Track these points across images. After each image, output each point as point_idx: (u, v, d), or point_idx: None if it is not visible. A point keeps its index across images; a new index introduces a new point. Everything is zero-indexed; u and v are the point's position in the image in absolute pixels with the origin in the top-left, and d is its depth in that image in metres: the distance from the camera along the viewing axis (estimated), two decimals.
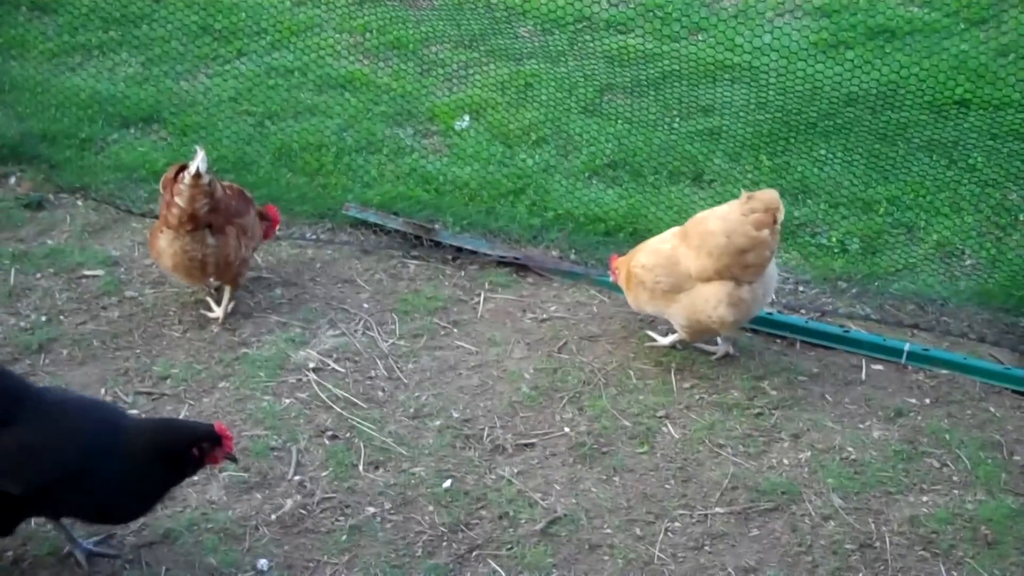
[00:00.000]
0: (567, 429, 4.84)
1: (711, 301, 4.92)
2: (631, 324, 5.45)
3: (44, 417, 3.72)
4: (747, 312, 5.00)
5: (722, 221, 4.90)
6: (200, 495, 4.39)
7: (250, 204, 5.40)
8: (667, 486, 4.58)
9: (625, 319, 5.46)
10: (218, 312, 5.36)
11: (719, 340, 5.29)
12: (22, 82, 7.02)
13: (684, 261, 4.98)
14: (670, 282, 5.02)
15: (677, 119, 7.08)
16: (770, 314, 5.46)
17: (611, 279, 5.42)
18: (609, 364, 5.22)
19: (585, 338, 5.38)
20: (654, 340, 5.35)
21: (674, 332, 5.24)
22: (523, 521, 4.37)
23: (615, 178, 6.62)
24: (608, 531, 4.36)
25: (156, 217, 5.66)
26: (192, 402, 4.84)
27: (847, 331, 5.41)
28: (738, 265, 4.87)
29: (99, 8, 7.83)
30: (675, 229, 5.17)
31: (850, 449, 4.75)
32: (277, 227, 5.65)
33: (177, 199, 4.99)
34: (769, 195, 4.86)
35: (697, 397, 5.03)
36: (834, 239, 6.12)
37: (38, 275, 5.55)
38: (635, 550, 4.28)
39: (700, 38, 7.98)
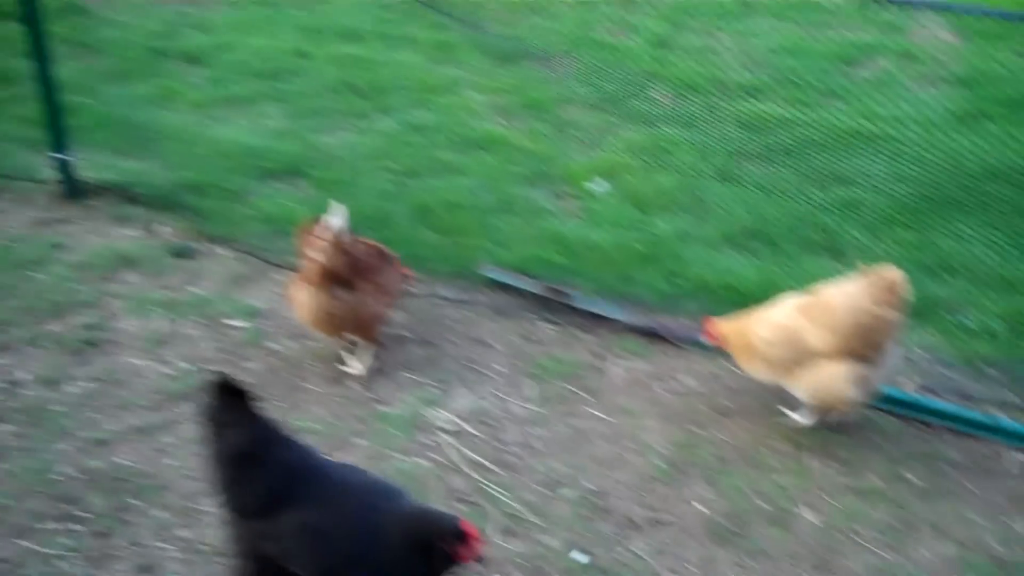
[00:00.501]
0: (701, 507, 4.74)
1: (837, 380, 4.83)
2: (765, 400, 5.33)
3: (329, 496, 3.69)
4: (871, 391, 4.90)
5: (847, 298, 4.80)
6: None
7: (388, 261, 5.43)
8: (804, 574, 4.44)
9: (759, 394, 5.34)
10: (355, 368, 5.39)
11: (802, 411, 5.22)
12: (173, 132, 7.20)
13: (807, 337, 4.88)
14: (791, 357, 4.94)
15: (813, 188, 6.97)
16: (909, 396, 5.30)
17: (705, 340, 5.36)
18: (743, 441, 5.11)
19: (719, 412, 5.29)
20: (790, 417, 5.22)
21: (800, 405, 5.17)
22: None
23: (750, 247, 6.52)
24: None
25: (296, 270, 5.73)
26: (328, 457, 4.85)
27: (993, 418, 5.22)
28: (863, 344, 4.77)
29: (247, 62, 8.03)
30: (794, 300, 5.07)
31: (997, 546, 4.56)
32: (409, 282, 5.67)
33: (315, 254, 5.04)
34: (895, 274, 4.75)
35: (834, 481, 4.89)
36: (978, 320, 5.92)
37: (184, 323, 5.65)
38: None
39: (837, 105, 7.87)
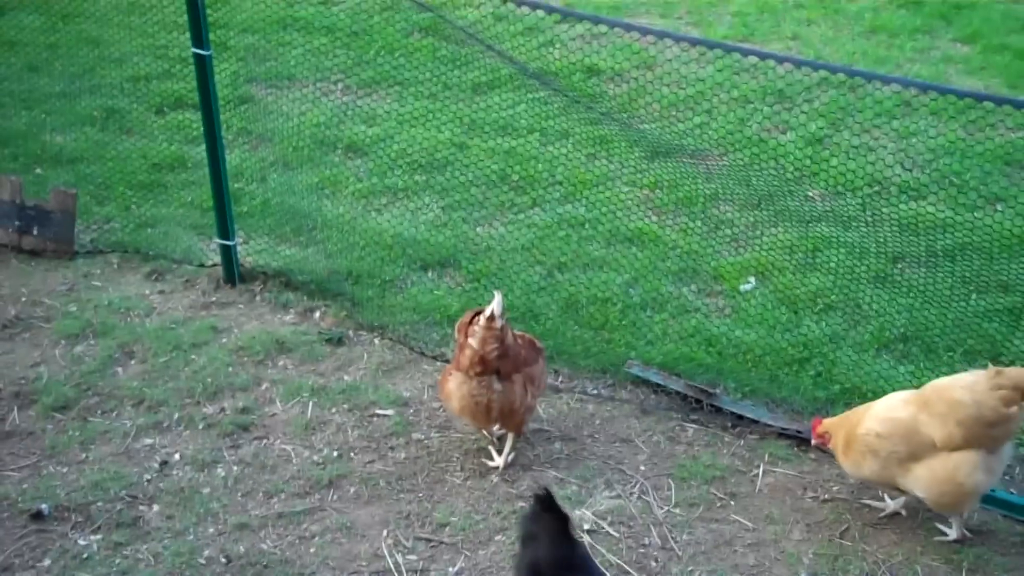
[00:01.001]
0: None
1: (963, 468, 4.71)
2: (919, 513, 5.10)
3: None
4: (991, 482, 4.84)
5: (970, 392, 4.72)
6: None
7: (539, 354, 5.42)
8: None
9: (911, 506, 5.11)
10: (499, 461, 5.37)
11: (953, 524, 5.02)
12: (333, 221, 7.37)
13: (925, 430, 4.76)
14: (907, 451, 4.80)
15: (974, 294, 6.71)
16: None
17: (814, 442, 5.25)
18: (894, 556, 4.89)
19: (869, 524, 5.08)
20: (945, 535, 4.99)
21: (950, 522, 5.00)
22: None
23: (906, 353, 6.30)
24: None
25: (446, 361, 5.78)
26: (469, 553, 4.84)
27: None
28: (984, 437, 4.68)
29: (407, 154, 8.20)
30: (904, 395, 5.00)
31: None
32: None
33: (471, 340, 5.06)
34: (1019, 373, 4.70)
35: None
36: None
37: (333, 410, 5.73)
38: None
39: (1000, 209, 7.60)
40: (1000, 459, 4.81)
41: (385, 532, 4.94)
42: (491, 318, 5.00)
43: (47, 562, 4.70)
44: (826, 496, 5.26)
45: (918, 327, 6.42)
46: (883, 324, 6.48)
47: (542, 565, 3.75)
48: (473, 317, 5.14)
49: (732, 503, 5.21)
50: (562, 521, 3.77)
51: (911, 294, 6.71)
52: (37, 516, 4.93)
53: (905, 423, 4.83)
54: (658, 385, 5.97)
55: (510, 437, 5.39)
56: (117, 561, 4.71)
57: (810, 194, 7.93)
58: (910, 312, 6.55)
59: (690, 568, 4.80)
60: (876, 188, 7.95)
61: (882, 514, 5.11)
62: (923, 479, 4.81)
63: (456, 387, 5.20)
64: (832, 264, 7.01)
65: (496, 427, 5.39)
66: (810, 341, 6.31)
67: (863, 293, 6.75)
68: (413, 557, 4.81)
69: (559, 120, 8.86)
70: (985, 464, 4.72)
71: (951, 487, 4.75)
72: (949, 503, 4.87)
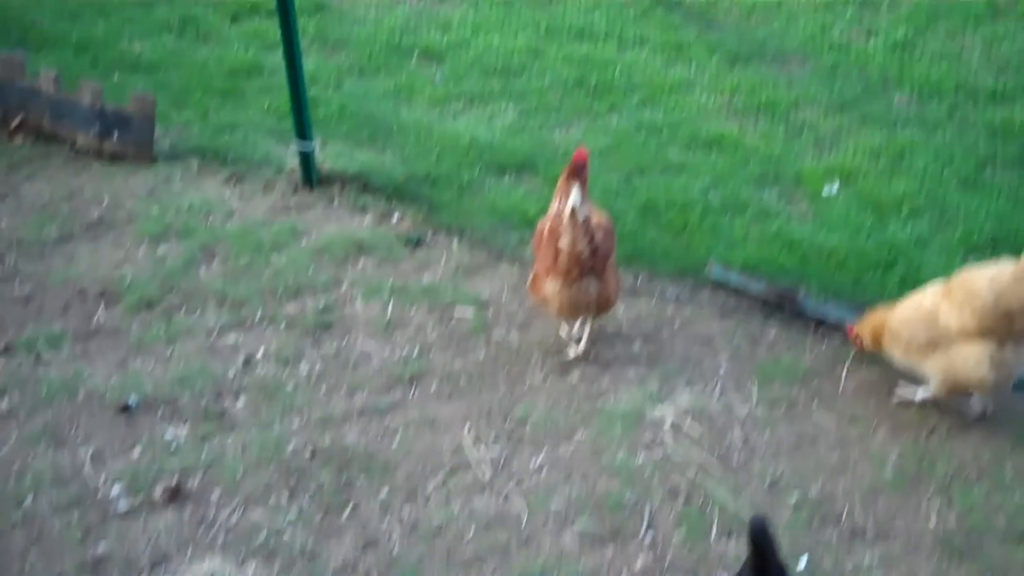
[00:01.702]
0: (933, 520, 4.49)
1: (974, 359, 4.68)
2: (1006, 413, 5.01)
3: None
4: (1009, 374, 4.76)
5: (991, 282, 4.64)
6: (554, 542, 4.35)
7: (612, 234, 5.30)
8: None
9: (1004, 405, 5.02)
10: (579, 348, 5.36)
11: (973, 400, 5.02)
12: (409, 126, 7.34)
13: (944, 318, 4.75)
14: (927, 338, 4.81)
15: None
16: None
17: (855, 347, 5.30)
18: (982, 455, 4.82)
19: (956, 425, 4.99)
20: (905, 397, 5.11)
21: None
22: None
23: (993, 256, 6.13)
24: None
25: (525, 262, 5.75)
26: (549, 448, 4.84)
27: None
28: (1004, 328, 4.62)
29: (482, 59, 8.12)
30: (938, 285, 4.94)
31: None
32: None
33: (561, 244, 4.98)
34: None
35: None
36: None
37: (413, 309, 5.73)
38: None
39: None
40: (1020, 353, 4.73)
41: (466, 427, 4.96)
42: (573, 213, 4.92)
43: (136, 452, 4.78)
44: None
45: (1007, 231, 6.26)
46: (971, 228, 6.32)
47: None
48: (553, 223, 5.07)
49: (815, 403, 5.15)
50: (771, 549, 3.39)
51: (1000, 199, 6.55)
52: (125, 408, 5.00)
53: (927, 310, 4.85)
54: (738, 290, 5.88)
55: (588, 324, 5.37)
56: (204, 451, 4.78)
57: (896, 99, 7.74)
58: (999, 217, 6.39)
59: (773, 465, 4.77)
60: (964, 93, 7.73)
61: (968, 419, 5.01)
62: (937, 367, 4.83)
63: (555, 293, 5.13)
64: (918, 168, 6.86)
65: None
66: (896, 244, 6.18)
67: (950, 197, 6.59)
68: (494, 451, 4.82)
69: (636, 25, 8.72)
70: (999, 357, 4.67)
71: (960, 378, 4.77)
72: (953, 394, 4.93)
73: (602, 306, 5.24)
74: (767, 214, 6.53)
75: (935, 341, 4.81)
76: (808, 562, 4.29)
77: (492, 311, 5.74)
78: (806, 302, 5.74)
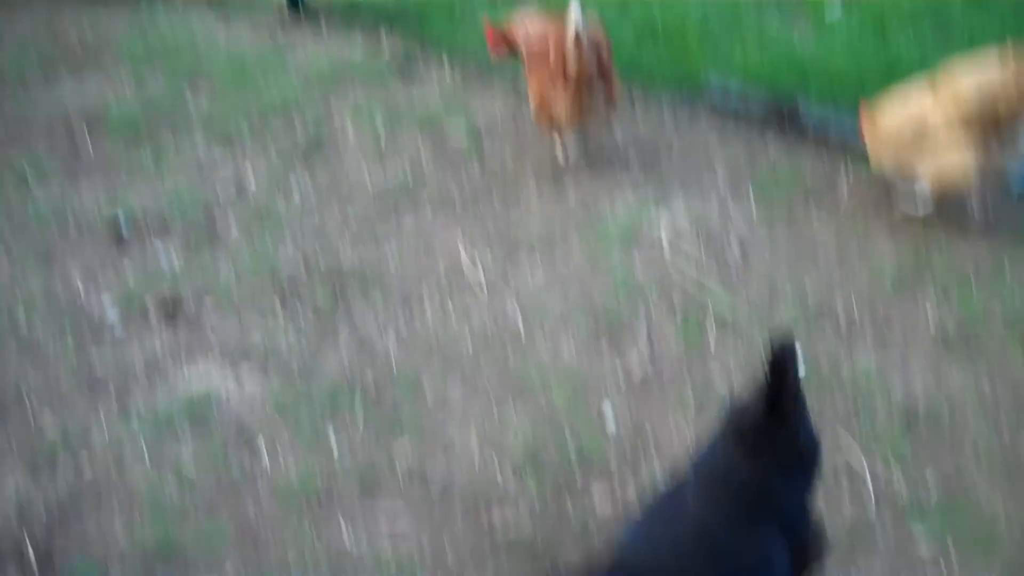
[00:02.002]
0: (931, 322, 4.45)
1: (957, 162, 4.65)
2: (1007, 218, 4.94)
3: None
4: (995, 168, 4.76)
5: (977, 74, 4.59)
6: (552, 350, 4.33)
7: (608, 47, 5.18)
8: None
9: (1007, 211, 4.96)
10: (564, 154, 5.30)
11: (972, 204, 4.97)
12: None
13: (931, 115, 4.68)
14: (913, 136, 4.74)
15: None
16: None
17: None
18: (982, 260, 4.76)
19: (956, 232, 4.92)
20: (908, 212, 5.02)
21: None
22: (879, 410, 4.05)
23: None
24: (972, 429, 3.98)
25: (518, 85, 5.62)
26: (546, 262, 4.78)
27: None
28: (988, 119, 4.57)
29: None
30: (926, 82, 4.85)
31: None
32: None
33: (568, 68, 4.90)
34: None
35: None
36: None
37: (405, 133, 5.62)
38: (1000, 451, 3.88)
39: None
40: (1008, 148, 4.69)
41: (461, 243, 4.89)
42: (577, 39, 4.82)
43: (128, 273, 4.72)
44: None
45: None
46: (975, 44, 6.14)
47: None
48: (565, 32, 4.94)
49: (815, 216, 5.07)
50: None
51: (1005, 17, 6.38)
52: (116, 231, 4.93)
53: (915, 107, 4.77)
54: (737, 110, 5.76)
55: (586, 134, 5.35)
56: (196, 269, 4.72)
57: None
58: (1003, 34, 6.21)
59: (770, 277, 4.71)
60: None
61: (970, 224, 4.94)
62: (924, 165, 4.77)
63: (565, 106, 5.05)
64: None
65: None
66: (897, 60, 6.02)
67: (955, 16, 6.41)
68: (490, 266, 4.76)
69: None
70: (985, 152, 4.63)
71: (945, 180, 4.73)
72: (946, 193, 4.86)
73: (611, 108, 5.17)
74: (768, 34, 6.38)
75: (922, 139, 4.72)
76: (805, 364, 4.24)
77: (485, 134, 5.63)
78: (807, 115, 5.61)
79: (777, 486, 2.86)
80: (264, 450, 3.87)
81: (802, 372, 3.91)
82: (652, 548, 2.81)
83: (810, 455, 2.98)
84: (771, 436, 2.86)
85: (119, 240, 4.88)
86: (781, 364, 2.83)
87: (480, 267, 4.75)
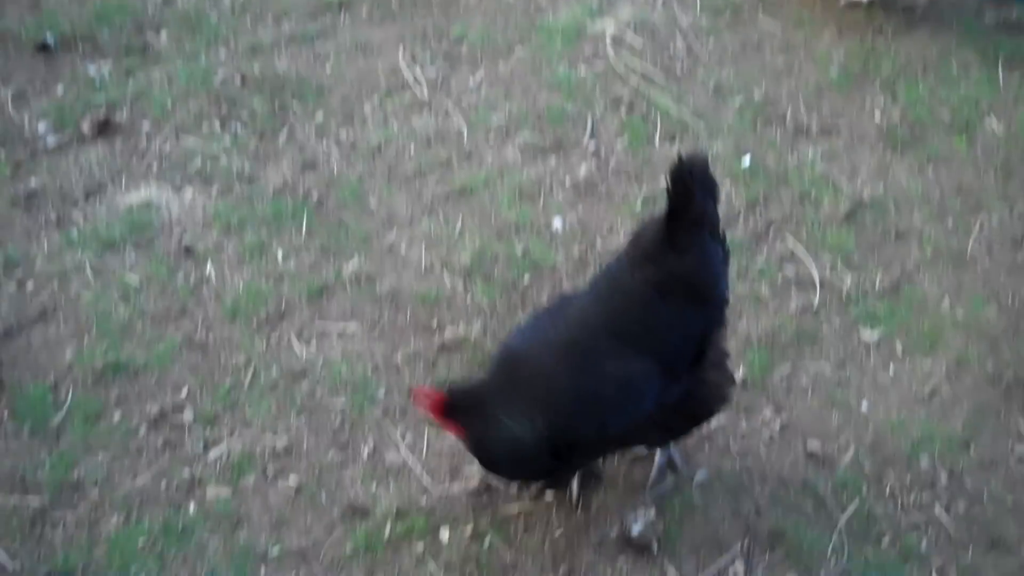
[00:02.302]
0: (877, 116, 4.42)
1: None
2: (954, 9, 4.86)
3: None
4: None
5: None
6: (496, 155, 4.25)
7: None
8: (985, 180, 4.14)
9: (948, 3, 4.88)
10: None
11: None
12: None
13: None
14: None
15: None
16: None
17: None
18: (929, 51, 4.70)
19: (902, 24, 4.84)
20: None
21: None
22: (825, 204, 4.06)
23: None
24: (917, 220, 4.00)
25: None
26: (488, 66, 4.66)
27: None
28: None
29: None
30: None
31: None
32: None
33: None
34: None
35: None
36: None
37: None
38: (945, 242, 3.91)
39: None
40: None
41: (401, 48, 4.74)
42: None
43: (60, 89, 4.54)
44: None
45: None
46: None
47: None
48: None
49: (760, 10, 4.96)
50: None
51: None
52: (43, 47, 4.72)
53: None
54: None
55: None
56: (130, 84, 4.55)
57: None
58: None
59: (717, 71, 4.63)
60: None
61: (916, 15, 4.85)
62: None
63: None
64: None
65: None
66: None
67: None
68: (431, 71, 4.63)
69: None
70: None
71: None
72: None
73: None
74: None
75: None
76: (751, 159, 4.22)
77: None
78: None
79: (659, 314, 2.74)
80: (210, 265, 3.81)
81: (746, 163, 3.90)
82: (528, 348, 2.83)
83: (705, 292, 2.79)
84: (662, 261, 2.72)
85: (48, 56, 4.67)
86: (681, 184, 2.66)
87: (421, 72, 4.62)
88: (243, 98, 4.49)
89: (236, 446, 3.28)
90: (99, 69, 4.62)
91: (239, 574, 2.97)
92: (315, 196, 4.08)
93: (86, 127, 4.34)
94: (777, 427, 3.36)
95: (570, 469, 3.02)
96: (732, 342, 3.45)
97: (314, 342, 3.56)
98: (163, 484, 3.19)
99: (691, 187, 2.66)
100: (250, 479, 3.19)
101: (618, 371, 2.72)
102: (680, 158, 2.66)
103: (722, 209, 3.74)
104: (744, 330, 3.61)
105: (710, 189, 2.75)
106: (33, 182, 4.13)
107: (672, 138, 4.32)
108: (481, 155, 4.26)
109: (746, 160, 4.22)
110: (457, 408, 2.80)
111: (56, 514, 3.10)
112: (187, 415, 3.36)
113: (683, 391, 2.83)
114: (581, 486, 3.11)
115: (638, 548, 3.00)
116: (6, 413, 3.33)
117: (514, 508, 3.12)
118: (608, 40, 4.77)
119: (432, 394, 2.80)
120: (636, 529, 2.99)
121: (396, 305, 3.68)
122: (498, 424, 2.75)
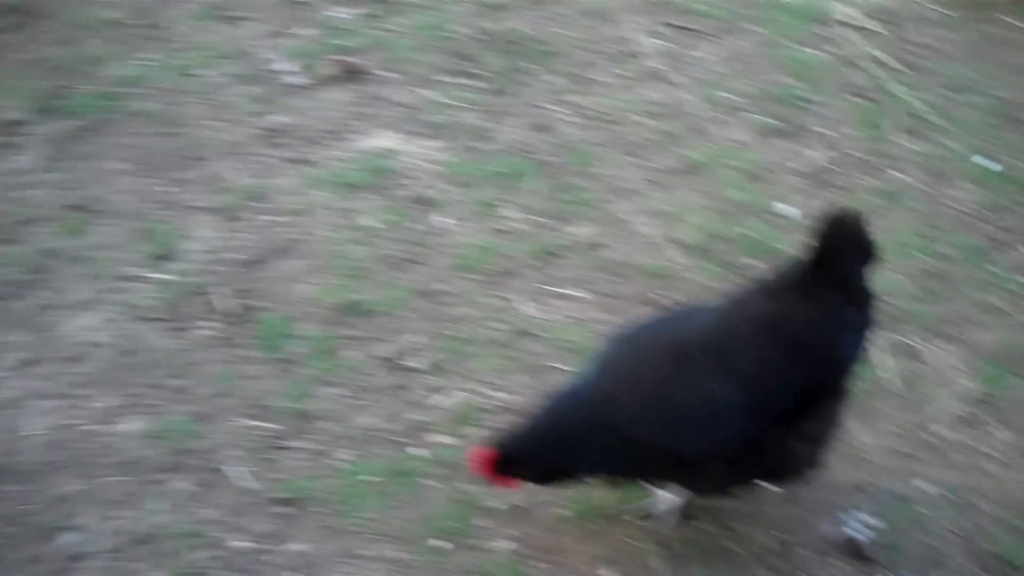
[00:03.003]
0: None
1: None
2: None
3: None
4: None
5: None
6: (724, 133, 4.17)
7: None
8: None
9: None
10: None
11: None
12: None
13: None
14: None
15: None
16: None
17: None
18: None
19: None
20: None
21: None
22: None
23: None
24: None
25: None
26: (722, 41, 4.56)
27: None
28: None
29: None
30: None
31: None
32: None
33: None
34: None
35: None
36: None
37: None
38: None
39: None
40: None
41: (634, 17, 4.67)
42: None
43: (305, 30, 4.62)
44: None
45: None
46: None
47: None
48: None
49: (1009, 5, 4.71)
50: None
51: None
52: None
53: None
54: None
55: None
56: (372, 32, 4.60)
57: None
58: None
59: (956, 66, 4.46)
60: None
61: None
62: None
63: None
64: None
65: None
66: None
67: None
68: (662, 41, 4.55)
69: None
70: None
71: None
72: None
73: None
74: None
75: None
76: (989, 160, 4.04)
77: None
78: None
79: (764, 353, 2.54)
80: (441, 216, 3.84)
81: (981, 162, 3.66)
82: (638, 344, 2.72)
83: (819, 350, 2.56)
84: (786, 301, 2.54)
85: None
86: (829, 242, 2.46)
87: (653, 42, 4.54)
88: (478, 54, 4.50)
89: (460, 396, 3.30)
90: (344, 14, 4.67)
91: (457, 521, 2.99)
92: (544, 157, 4.07)
93: (329, 70, 4.40)
94: (1007, 446, 3.22)
95: (613, 470, 2.86)
96: (958, 349, 3.33)
97: (540, 303, 3.55)
98: (389, 424, 3.24)
99: (839, 248, 2.49)
100: (472, 430, 3.21)
101: (708, 390, 2.59)
102: (833, 215, 2.47)
103: (951, 210, 3.64)
104: (973, 339, 3.46)
105: (862, 252, 2.54)
106: (277, 119, 4.21)
107: (908, 131, 4.16)
108: (709, 132, 4.18)
109: (979, 159, 4.03)
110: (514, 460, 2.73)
111: (290, 442, 3.18)
112: (414, 360, 3.40)
113: (761, 442, 2.63)
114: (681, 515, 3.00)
115: (854, 552, 2.93)
116: (251, 339, 3.42)
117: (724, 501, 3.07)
118: (846, 24, 4.60)
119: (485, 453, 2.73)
120: (853, 533, 2.91)
121: (619, 274, 3.65)
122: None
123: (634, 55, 4.51)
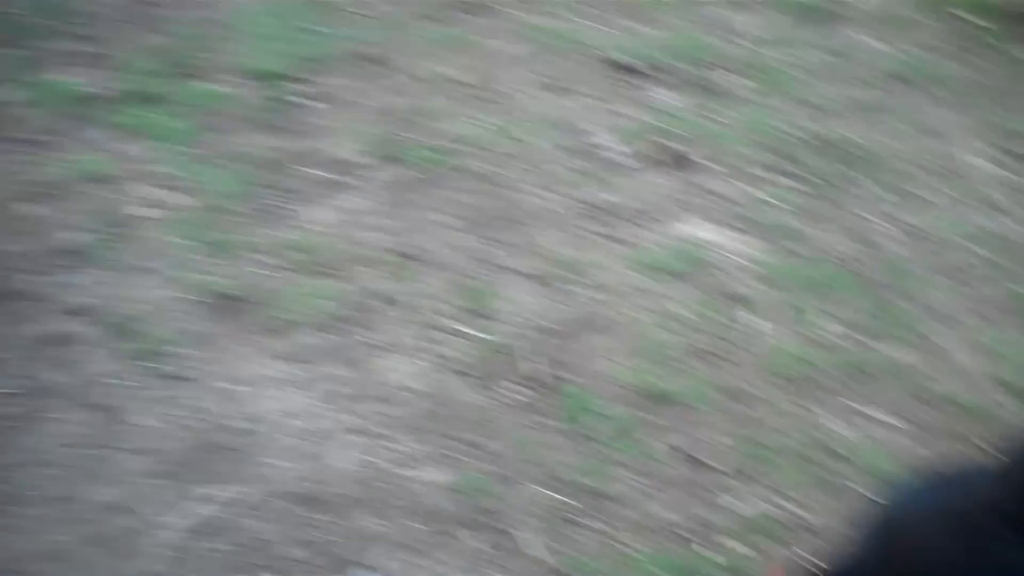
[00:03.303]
0: None
1: None
2: None
3: None
4: None
5: None
6: None
7: None
8: None
9: None
10: None
11: None
12: None
13: None
14: None
15: None
16: None
17: None
18: None
19: None
20: None
21: None
22: None
23: None
24: None
25: None
26: None
27: None
28: None
29: None
30: None
31: None
32: None
33: None
34: None
35: None
36: None
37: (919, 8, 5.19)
38: None
39: None
40: None
41: (971, 140, 4.49)
42: None
43: (630, 111, 4.66)
44: None
45: None
46: None
47: None
48: None
49: None
50: None
51: None
52: (621, 66, 4.87)
53: None
54: None
55: None
56: (697, 120, 4.60)
57: None
58: None
59: None
60: None
61: None
62: None
63: None
64: None
65: None
66: None
67: None
68: (994, 167, 4.36)
69: None
70: None
71: None
72: None
73: None
74: None
75: None
76: None
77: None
78: None
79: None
80: (751, 314, 3.77)
81: None
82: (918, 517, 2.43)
83: None
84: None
85: (624, 77, 4.81)
86: None
87: (990, 170, 4.36)
88: (803, 155, 4.43)
89: (756, 503, 3.21)
90: (672, 99, 4.70)
91: None
92: (860, 269, 3.94)
93: (653, 152, 4.42)
94: None
95: None
96: None
97: (848, 421, 3.43)
98: (679, 518, 3.18)
99: None
100: (765, 541, 3.12)
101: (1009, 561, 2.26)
102: None
103: None
104: None
105: None
106: (598, 194, 4.25)
107: None
108: None
109: None
110: None
111: (582, 519, 3.16)
112: (711, 457, 3.34)
113: None
114: None
115: None
116: (555, 409, 3.44)
117: None
118: None
119: None
120: None
121: (934, 406, 3.48)
122: None
123: (962, 176, 4.33)
